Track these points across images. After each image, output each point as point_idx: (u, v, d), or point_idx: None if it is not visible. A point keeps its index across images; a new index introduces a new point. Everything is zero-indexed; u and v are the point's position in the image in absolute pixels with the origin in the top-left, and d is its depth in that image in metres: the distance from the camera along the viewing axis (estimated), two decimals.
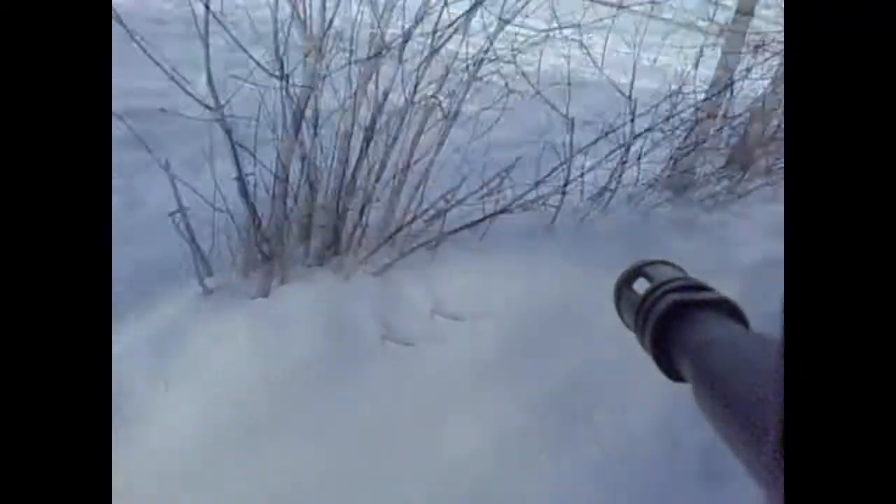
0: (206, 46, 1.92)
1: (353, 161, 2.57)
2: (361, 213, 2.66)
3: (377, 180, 2.64)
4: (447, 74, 2.56)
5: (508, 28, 2.70)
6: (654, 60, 6.17)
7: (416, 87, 2.47)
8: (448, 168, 2.90)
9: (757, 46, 4.43)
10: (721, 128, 4.36)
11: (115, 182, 2.94)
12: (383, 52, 2.35)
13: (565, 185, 3.10)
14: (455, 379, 2.39)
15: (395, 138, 2.56)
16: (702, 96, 3.96)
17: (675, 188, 4.10)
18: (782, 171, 4.93)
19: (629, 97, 3.37)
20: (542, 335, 2.64)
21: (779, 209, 4.35)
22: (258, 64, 2.06)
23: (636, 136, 3.41)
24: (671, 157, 4.06)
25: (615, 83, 3.49)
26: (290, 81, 2.17)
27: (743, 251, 3.72)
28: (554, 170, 3.09)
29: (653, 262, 0.68)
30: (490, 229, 2.96)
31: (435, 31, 2.39)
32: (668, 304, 0.58)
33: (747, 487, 0.41)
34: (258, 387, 2.17)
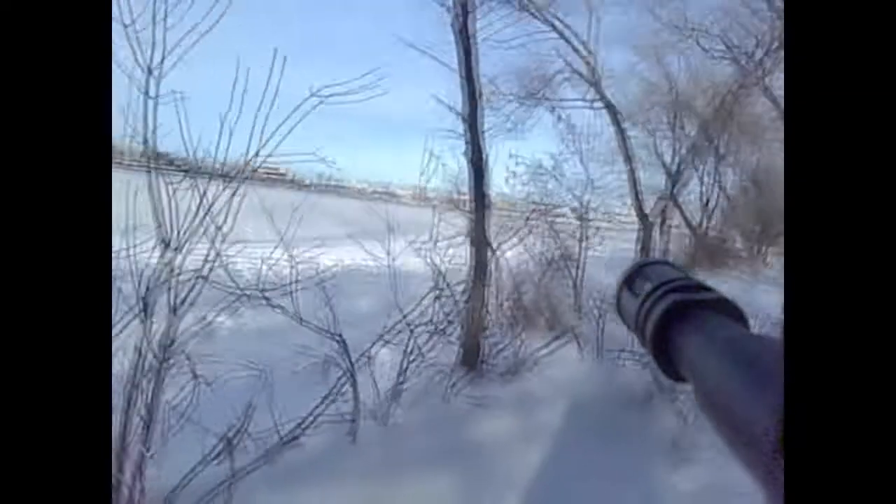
0: None
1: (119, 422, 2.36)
2: (136, 474, 2.39)
3: (148, 440, 2.43)
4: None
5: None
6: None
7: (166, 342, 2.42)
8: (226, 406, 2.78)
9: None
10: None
11: None
12: None
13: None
14: None
15: (154, 395, 2.43)
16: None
17: (468, 364, 4.34)
18: (562, 327, 5.52)
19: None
20: None
21: (565, 371, 4.86)
22: None
23: (413, 329, 3.63)
24: (460, 342, 4.36)
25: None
26: None
27: (543, 414, 4.00)
28: (339, 385, 3.12)
29: (653, 262, 0.67)
30: (287, 459, 2.82)
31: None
32: (668, 304, 0.56)
33: None
34: None
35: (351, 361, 3.18)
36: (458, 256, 4.58)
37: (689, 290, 0.57)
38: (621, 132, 7.87)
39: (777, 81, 8.49)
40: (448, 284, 4.15)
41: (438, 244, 4.41)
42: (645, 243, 8.11)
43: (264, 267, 2.92)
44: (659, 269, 0.65)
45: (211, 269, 2.48)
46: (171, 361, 2.48)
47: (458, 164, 4.88)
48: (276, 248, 3.20)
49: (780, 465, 0.33)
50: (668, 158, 9.26)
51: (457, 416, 3.80)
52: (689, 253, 12.35)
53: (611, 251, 7.49)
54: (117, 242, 2.33)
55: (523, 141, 8.78)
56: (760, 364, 0.41)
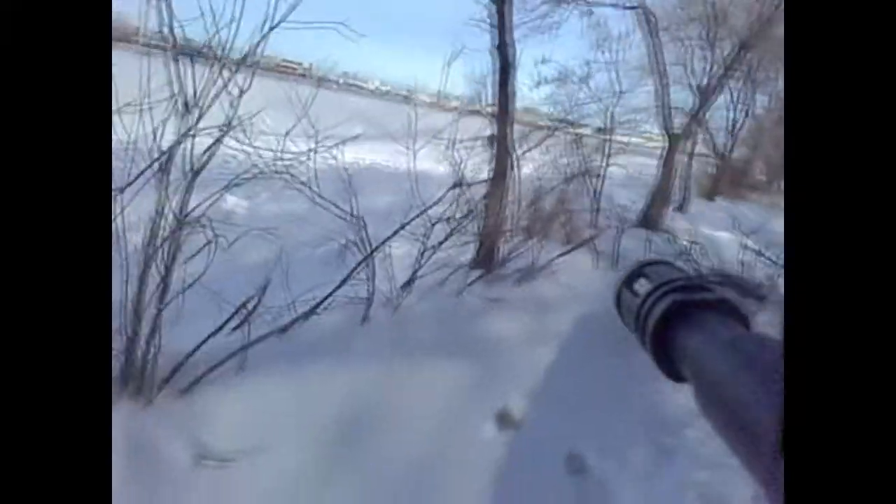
0: None
1: (134, 284, 2.40)
2: (152, 334, 2.46)
3: (162, 300, 2.48)
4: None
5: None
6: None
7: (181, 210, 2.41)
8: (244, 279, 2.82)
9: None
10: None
11: None
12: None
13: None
14: (276, 493, 2.22)
15: (173, 260, 2.45)
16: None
17: (484, 266, 4.35)
18: (578, 238, 5.50)
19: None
20: (364, 432, 2.56)
21: (580, 280, 4.88)
22: None
23: (434, 223, 3.61)
24: (478, 240, 4.35)
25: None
26: None
27: (554, 318, 4.01)
28: (358, 264, 3.13)
29: (653, 263, 0.67)
30: (299, 334, 2.88)
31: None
32: (669, 304, 0.56)
33: None
34: None
35: (370, 243, 3.18)
36: (479, 160, 4.49)
37: (690, 291, 0.58)
38: (655, 43, 7.47)
39: None
40: (468, 184, 4.08)
41: (458, 147, 4.32)
42: (668, 162, 7.88)
43: (287, 142, 2.85)
44: (659, 269, 0.65)
45: (229, 127, 2.42)
46: (188, 229, 2.48)
47: (484, 64, 4.68)
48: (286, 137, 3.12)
49: (780, 465, 0.33)
50: (699, 78, 8.86)
51: (468, 312, 3.84)
52: (711, 176, 12.15)
53: (633, 168, 7.36)
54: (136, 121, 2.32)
55: (553, 47, 8.49)
56: (760, 364, 0.41)
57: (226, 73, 2.38)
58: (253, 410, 2.52)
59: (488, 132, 4.59)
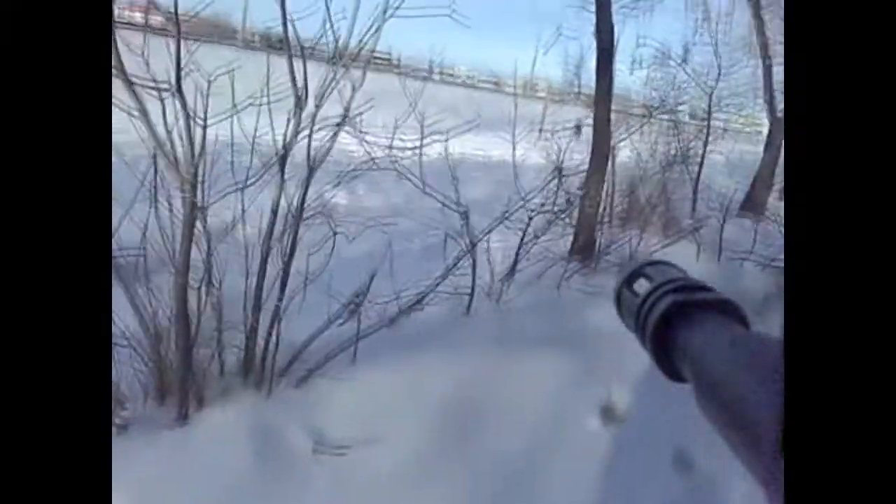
0: None
1: (254, 276, 2.51)
2: (272, 326, 2.57)
3: (282, 292, 2.57)
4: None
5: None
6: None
7: (302, 202, 2.48)
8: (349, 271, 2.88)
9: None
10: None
11: None
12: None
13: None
14: (393, 481, 2.26)
15: (292, 251, 2.53)
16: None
17: (582, 258, 4.26)
18: (678, 228, 5.28)
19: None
20: (473, 424, 2.57)
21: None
22: None
23: (534, 215, 3.56)
24: (574, 231, 4.26)
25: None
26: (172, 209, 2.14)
27: None
28: (460, 259, 3.13)
29: (653, 263, 0.67)
30: (406, 325, 2.92)
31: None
32: (669, 304, 0.56)
33: None
34: None
35: (472, 236, 3.17)
36: (572, 148, 4.39)
37: (690, 291, 0.57)
38: (760, 19, 7.02)
39: None
40: (567, 175, 3.99)
41: (555, 135, 4.24)
42: (771, 147, 7.39)
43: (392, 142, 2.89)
44: (659, 269, 0.65)
45: (344, 119, 2.46)
46: (307, 221, 2.56)
47: (576, 50, 4.57)
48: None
49: (780, 465, 0.33)
50: None
51: (568, 304, 3.76)
52: None
53: (736, 153, 6.97)
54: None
55: (650, 28, 8.18)
56: (760, 364, 0.41)
57: (339, 69, 2.42)
58: (366, 401, 2.57)
59: (586, 119, 4.48)
